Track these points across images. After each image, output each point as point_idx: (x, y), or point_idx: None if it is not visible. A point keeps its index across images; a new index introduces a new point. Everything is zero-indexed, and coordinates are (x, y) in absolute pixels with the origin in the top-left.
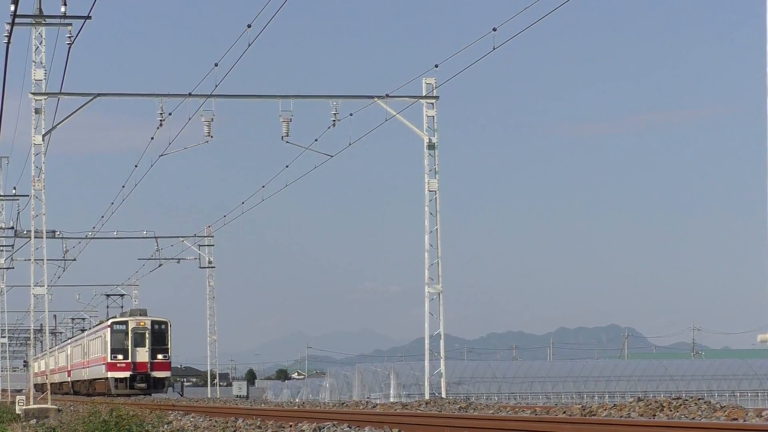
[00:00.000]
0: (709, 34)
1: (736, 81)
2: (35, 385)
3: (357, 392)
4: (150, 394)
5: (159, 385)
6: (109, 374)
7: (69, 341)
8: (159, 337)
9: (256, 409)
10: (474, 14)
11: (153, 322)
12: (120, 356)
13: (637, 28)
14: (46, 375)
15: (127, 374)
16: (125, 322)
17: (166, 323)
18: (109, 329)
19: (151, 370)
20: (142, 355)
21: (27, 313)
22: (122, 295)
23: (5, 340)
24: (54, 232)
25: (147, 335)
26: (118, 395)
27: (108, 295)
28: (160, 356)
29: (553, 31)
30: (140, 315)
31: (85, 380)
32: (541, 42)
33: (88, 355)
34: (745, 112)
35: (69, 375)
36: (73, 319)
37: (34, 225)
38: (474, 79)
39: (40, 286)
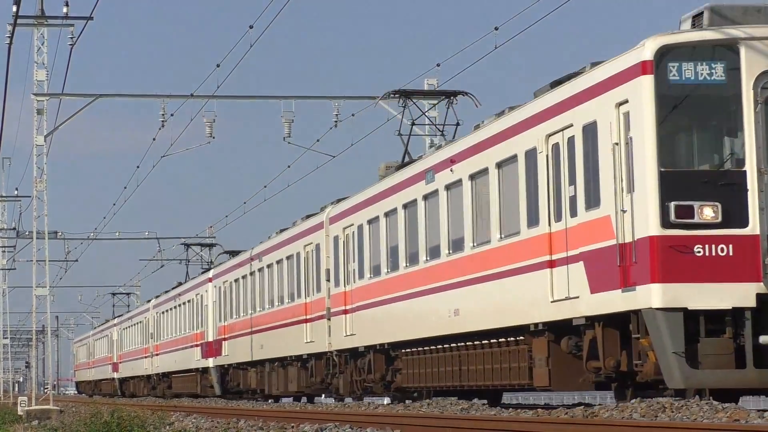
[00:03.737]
0: None
1: None
2: (80, 384)
3: None
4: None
5: None
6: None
7: (191, 282)
8: None
9: (258, 410)
10: (475, 13)
11: None
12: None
13: (637, 28)
14: (116, 363)
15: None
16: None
17: None
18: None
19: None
20: None
21: (29, 314)
22: (128, 294)
23: (7, 341)
24: (56, 233)
25: None
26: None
27: (114, 294)
28: None
29: (555, 30)
30: None
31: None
32: (543, 41)
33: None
34: None
35: (210, 352)
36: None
37: (36, 226)
38: (476, 78)
39: (42, 287)
